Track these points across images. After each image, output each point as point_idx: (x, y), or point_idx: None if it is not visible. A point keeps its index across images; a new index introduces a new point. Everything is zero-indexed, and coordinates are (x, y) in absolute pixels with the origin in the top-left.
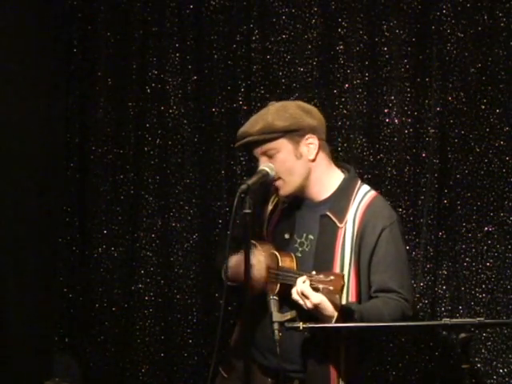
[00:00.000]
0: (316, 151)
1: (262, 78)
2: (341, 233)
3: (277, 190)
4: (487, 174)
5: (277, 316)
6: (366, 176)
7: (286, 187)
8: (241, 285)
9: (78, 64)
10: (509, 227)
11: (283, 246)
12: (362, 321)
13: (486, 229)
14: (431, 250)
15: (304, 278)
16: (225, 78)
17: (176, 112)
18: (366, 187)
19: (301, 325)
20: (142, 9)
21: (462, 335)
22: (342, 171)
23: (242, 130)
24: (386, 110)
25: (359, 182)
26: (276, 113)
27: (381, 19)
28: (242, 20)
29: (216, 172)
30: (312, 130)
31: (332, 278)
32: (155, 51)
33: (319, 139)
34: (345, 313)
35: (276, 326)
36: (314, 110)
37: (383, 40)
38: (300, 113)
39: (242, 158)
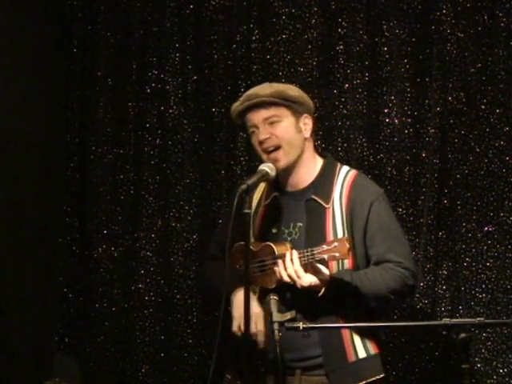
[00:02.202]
0: (310, 132)
1: (261, 78)
2: (329, 213)
3: (274, 161)
4: (487, 173)
5: (277, 316)
6: None
7: (286, 158)
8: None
9: (78, 64)
10: (509, 227)
11: (273, 241)
12: (355, 282)
13: (486, 229)
14: (431, 250)
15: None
16: (225, 77)
17: (176, 112)
18: (346, 167)
19: (301, 325)
20: (141, 9)
21: (462, 335)
22: (321, 157)
23: (252, 92)
24: (386, 110)
25: (339, 164)
26: (286, 85)
27: (381, 19)
28: (242, 20)
29: (216, 172)
30: (310, 111)
31: (336, 244)
32: (155, 51)
33: (312, 122)
34: (338, 275)
35: (276, 325)
36: None
37: (383, 40)
38: (304, 94)
39: (241, 158)
